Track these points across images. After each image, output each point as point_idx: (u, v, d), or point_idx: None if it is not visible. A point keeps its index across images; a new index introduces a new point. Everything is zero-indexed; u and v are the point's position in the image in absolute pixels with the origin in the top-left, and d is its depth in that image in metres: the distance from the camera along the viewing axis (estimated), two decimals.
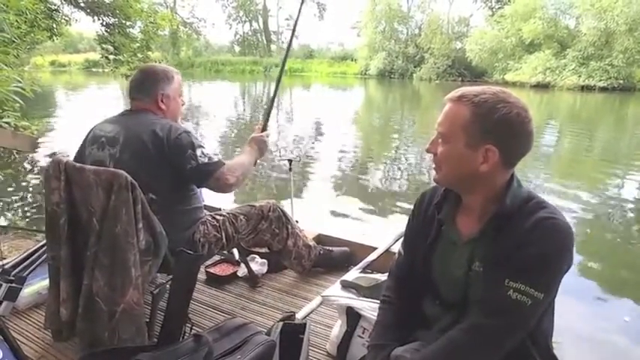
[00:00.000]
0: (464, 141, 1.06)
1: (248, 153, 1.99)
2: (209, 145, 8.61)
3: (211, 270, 2.39)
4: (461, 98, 1.07)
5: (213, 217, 1.98)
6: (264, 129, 2.10)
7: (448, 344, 1.06)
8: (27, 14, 5.46)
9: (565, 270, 1.05)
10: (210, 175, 1.72)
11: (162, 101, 1.80)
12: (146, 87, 1.80)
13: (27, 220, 4.57)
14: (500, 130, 1.04)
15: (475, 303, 1.09)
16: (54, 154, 6.62)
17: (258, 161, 2.06)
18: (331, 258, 2.43)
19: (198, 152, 1.70)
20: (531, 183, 6.16)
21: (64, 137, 8.88)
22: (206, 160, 1.71)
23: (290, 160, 3.00)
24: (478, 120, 1.04)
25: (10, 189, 5.56)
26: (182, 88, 1.90)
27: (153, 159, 1.65)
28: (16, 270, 1.85)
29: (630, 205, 5.65)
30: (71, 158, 1.72)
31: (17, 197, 5.36)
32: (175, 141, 1.67)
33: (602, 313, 3.03)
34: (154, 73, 1.83)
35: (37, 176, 6.24)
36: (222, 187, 1.76)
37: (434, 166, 1.15)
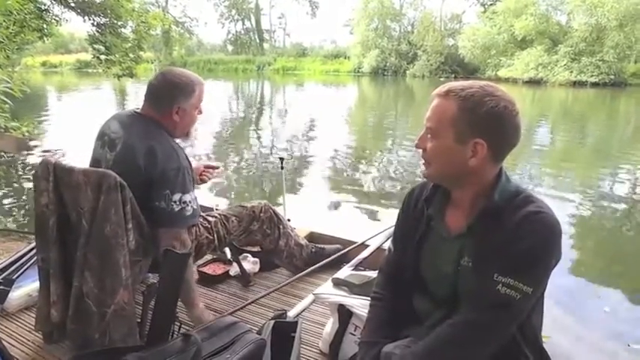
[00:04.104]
0: (452, 135, 1.06)
1: (199, 302, 1.84)
2: (205, 143, 8.61)
3: (203, 269, 2.39)
4: (448, 93, 1.07)
5: (205, 219, 1.97)
6: None
7: (438, 340, 1.07)
8: (16, 14, 5.41)
9: (554, 264, 1.05)
10: (169, 223, 1.63)
11: (177, 114, 1.68)
12: (162, 96, 1.68)
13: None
14: (489, 123, 1.04)
15: (465, 298, 1.10)
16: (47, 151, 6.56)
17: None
18: (323, 256, 2.43)
19: (175, 197, 1.60)
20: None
21: (57, 139, 8.80)
22: (177, 209, 1.61)
23: (282, 159, 3.02)
24: (466, 114, 1.04)
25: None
26: (203, 99, 1.76)
27: (141, 181, 1.58)
28: (5, 273, 1.83)
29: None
30: (62, 158, 1.70)
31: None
32: (164, 173, 1.58)
33: None
34: (175, 83, 1.68)
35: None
36: (170, 243, 1.62)
37: (423, 161, 1.15)
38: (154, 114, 1.69)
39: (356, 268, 2.23)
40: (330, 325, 1.76)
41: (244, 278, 2.33)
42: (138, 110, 1.74)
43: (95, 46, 9.39)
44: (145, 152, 1.58)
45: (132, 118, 1.71)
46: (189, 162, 1.69)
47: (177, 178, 1.61)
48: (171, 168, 1.60)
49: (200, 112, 1.79)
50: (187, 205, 1.64)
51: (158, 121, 1.69)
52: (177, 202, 1.61)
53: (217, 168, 2.21)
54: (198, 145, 8.84)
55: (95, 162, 1.71)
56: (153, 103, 1.70)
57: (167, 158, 1.60)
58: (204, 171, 2.11)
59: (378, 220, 4.71)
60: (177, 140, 1.74)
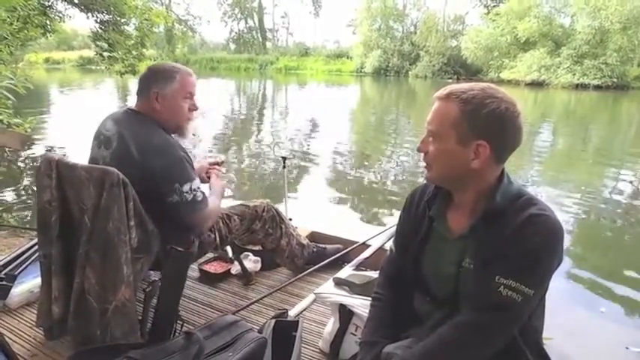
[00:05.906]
0: (455, 138, 1.06)
1: (219, 191, 1.96)
2: (204, 142, 8.62)
3: (205, 268, 2.39)
4: (449, 95, 1.07)
5: None
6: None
7: (439, 341, 1.07)
8: (20, 11, 5.42)
9: (555, 266, 1.05)
10: (191, 211, 1.67)
11: (157, 100, 1.68)
12: (143, 84, 1.73)
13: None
14: (491, 125, 1.04)
15: (466, 299, 1.10)
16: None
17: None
18: (324, 255, 2.43)
19: (185, 187, 1.63)
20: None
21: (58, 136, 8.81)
22: (190, 198, 1.65)
23: (284, 158, 3.02)
24: (468, 116, 1.04)
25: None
26: (192, 90, 1.76)
27: (140, 175, 1.58)
28: (7, 269, 1.84)
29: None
30: (63, 155, 1.71)
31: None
32: (165, 168, 1.60)
33: None
34: (153, 70, 1.74)
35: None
36: (197, 228, 1.73)
37: (425, 164, 1.15)
38: (140, 105, 1.73)
39: (357, 268, 2.24)
40: (330, 325, 1.77)
41: (245, 277, 2.33)
42: (131, 107, 1.76)
43: (98, 42, 9.38)
44: (141, 147, 1.60)
45: (125, 115, 1.73)
46: (185, 151, 1.70)
47: (180, 169, 1.64)
48: (171, 162, 1.62)
49: (195, 108, 1.78)
50: (197, 191, 1.68)
51: (150, 116, 1.71)
52: (189, 191, 1.65)
53: (222, 163, 2.21)
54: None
55: (93, 162, 1.71)
56: (138, 94, 1.74)
57: (163, 152, 1.62)
58: (209, 169, 2.11)
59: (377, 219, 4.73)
60: (174, 136, 1.75)
